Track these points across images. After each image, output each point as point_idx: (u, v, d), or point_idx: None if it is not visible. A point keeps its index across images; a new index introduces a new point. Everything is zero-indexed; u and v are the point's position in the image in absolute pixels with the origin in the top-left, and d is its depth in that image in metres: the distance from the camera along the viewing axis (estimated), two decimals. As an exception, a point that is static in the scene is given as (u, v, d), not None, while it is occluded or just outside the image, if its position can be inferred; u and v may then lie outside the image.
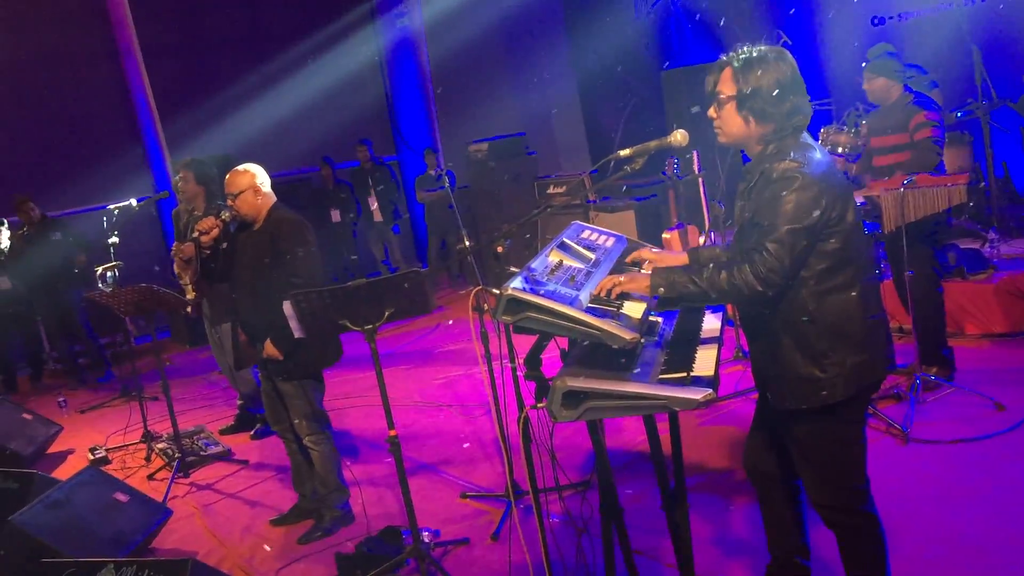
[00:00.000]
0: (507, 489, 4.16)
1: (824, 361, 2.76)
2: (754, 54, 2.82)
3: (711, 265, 2.80)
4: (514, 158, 10.82)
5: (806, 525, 3.28)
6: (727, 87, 2.83)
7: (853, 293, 2.78)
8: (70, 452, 7.09)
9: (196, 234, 4.66)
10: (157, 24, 11.43)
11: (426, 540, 4.28)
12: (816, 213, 2.67)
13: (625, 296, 2.89)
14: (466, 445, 5.83)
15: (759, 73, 2.78)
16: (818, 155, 2.78)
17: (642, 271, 3.33)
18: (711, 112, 2.90)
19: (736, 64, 2.83)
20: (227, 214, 4.61)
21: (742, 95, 2.80)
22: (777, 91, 2.77)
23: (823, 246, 2.73)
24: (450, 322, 9.34)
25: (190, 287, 6.36)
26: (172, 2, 11.64)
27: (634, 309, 2.87)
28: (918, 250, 5.22)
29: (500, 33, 13.18)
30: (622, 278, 2.88)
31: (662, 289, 2.79)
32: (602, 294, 2.86)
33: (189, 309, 6.57)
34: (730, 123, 2.87)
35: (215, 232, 4.60)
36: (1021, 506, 3.94)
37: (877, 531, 2.96)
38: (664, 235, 7.70)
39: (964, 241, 7.01)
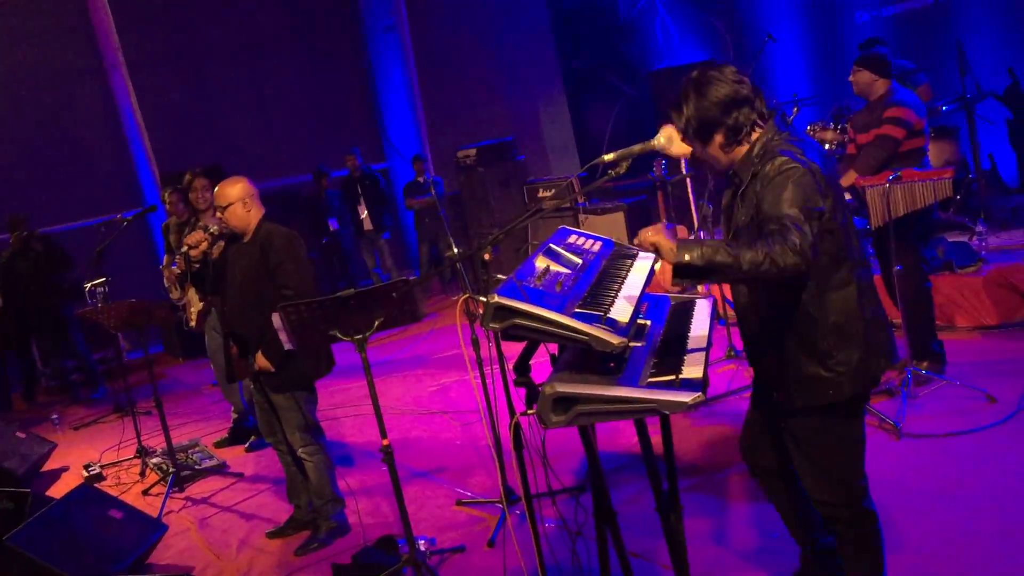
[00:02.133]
0: (501, 496, 4.17)
1: (829, 361, 2.77)
2: (683, 86, 2.89)
3: (739, 240, 2.75)
4: (503, 163, 10.85)
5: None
6: (677, 126, 2.92)
7: (851, 290, 2.77)
8: (64, 470, 7.06)
9: (185, 248, 4.67)
10: (142, 37, 11.41)
11: (422, 548, 4.28)
12: (820, 200, 2.65)
13: (616, 291, 2.90)
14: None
15: (685, 101, 2.85)
16: (808, 151, 2.79)
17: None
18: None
19: (669, 108, 2.91)
20: (215, 227, 4.61)
21: (681, 126, 2.88)
22: (706, 112, 2.81)
23: (820, 244, 2.67)
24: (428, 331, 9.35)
25: (196, 299, 6.38)
26: (157, 15, 11.62)
27: (622, 312, 2.87)
28: (905, 245, 5.24)
29: (486, 38, 13.21)
30: (650, 232, 2.67)
31: (687, 256, 2.54)
32: (637, 242, 2.71)
33: (193, 323, 6.57)
34: (699, 151, 2.93)
35: (204, 245, 4.61)
36: (1015, 497, 3.95)
37: (876, 528, 2.97)
38: (654, 236, 7.71)
39: (953, 234, 7.03)
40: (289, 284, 4.45)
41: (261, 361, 4.48)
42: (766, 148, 2.79)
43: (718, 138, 2.84)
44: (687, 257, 2.54)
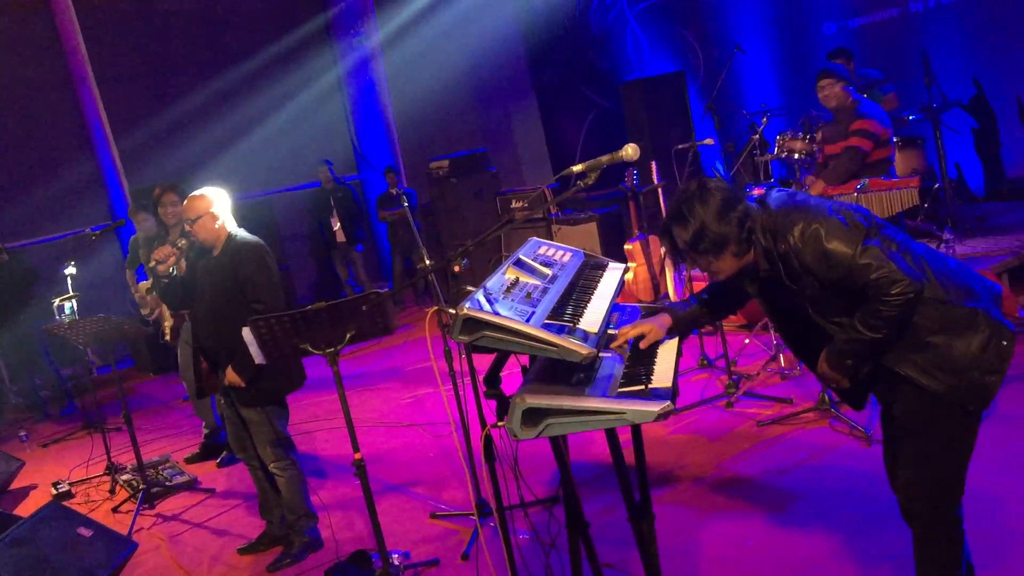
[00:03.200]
0: (474, 509, 4.16)
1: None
2: (675, 206, 2.87)
3: (855, 320, 2.73)
4: (476, 174, 10.86)
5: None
6: (680, 243, 2.88)
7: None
8: (33, 487, 6.96)
9: (153, 263, 4.63)
10: (111, 50, 11.32)
11: (396, 563, 4.25)
12: (856, 225, 2.71)
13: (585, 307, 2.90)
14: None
15: (688, 218, 2.81)
16: (798, 200, 2.83)
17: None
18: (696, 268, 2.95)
19: (666, 223, 2.90)
20: (183, 241, 4.58)
21: (688, 245, 2.84)
22: (712, 221, 2.78)
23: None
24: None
25: (168, 313, 6.35)
26: (126, 28, 11.53)
27: (592, 323, 2.88)
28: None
29: (458, 49, 13.23)
30: (827, 368, 2.86)
31: (846, 365, 2.81)
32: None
33: (168, 337, 6.52)
34: (706, 266, 2.91)
35: (171, 260, 4.58)
36: (981, 502, 3.98)
37: (957, 537, 2.91)
38: (626, 246, 7.76)
39: (920, 242, 7.08)
40: (260, 298, 4.43)
41: (231, 376, 4.45)
42: (771, 230, 2.79)
43: (731, 247, 2.83)
44: (848, 363, 2.80)
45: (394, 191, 10.87)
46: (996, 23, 8.79)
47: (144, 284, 6.70)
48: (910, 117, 7.72)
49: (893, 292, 2.62)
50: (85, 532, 4.85)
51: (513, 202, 9.97)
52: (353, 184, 12.06)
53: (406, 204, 5.34)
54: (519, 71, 13.65)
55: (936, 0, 9.22)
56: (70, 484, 6.61)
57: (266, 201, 11.73)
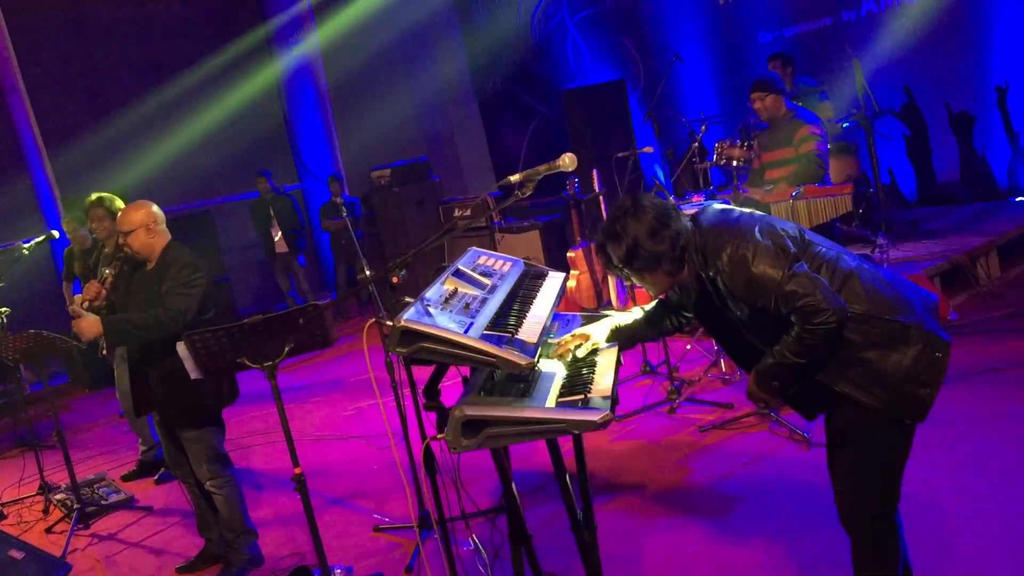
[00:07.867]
0: (415, 522, 4.12)
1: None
2: (609, 223, 2.89)
3: (780, 344, 2.73)
4: (418, 183, 10.83)
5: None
6: (614, 259, 2.88)
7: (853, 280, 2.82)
8: (-38, 510, 6.74)
9: (85, 304, 4.53)
10: (42, 58, 11.05)
11: (338, 578, 4.20)
12: (783, 250, 2.71)
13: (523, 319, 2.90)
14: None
15: (621, 235, 2.83)
16: (730, 219, 2.83)
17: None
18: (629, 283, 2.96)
19: (600, 239, 2.91)
20: (108, 271, 4.50)
21: (622, 261, 2.85)
22: (645, 238, 2.80)
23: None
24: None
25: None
26: (57, 35, 11.25)
27: (531, 333, 2.88)
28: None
29: (398, 56, 13.20)
30: (755, 387, 2.84)
31: (774, 384, 2.80)
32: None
33: (105, 352, 6.36)
34: (641, 282, 2.93)
35: (103, 294, 4.52)
36: (921, 505, 4.05)
37: (896, 544, 2.93)
38: (569, 254, 7.79)
39: (855, 247, 7.22)
40: (171, 305, 4.29)
41: (87, 324, 4.34)
42: (701, 251, 2.81)
43: (664, 266, 2.85)
44: (775, 384, 2.78)
45: (338, 200, 10.78)
46: (926, 32, 9.02)
47: (79, 297, 6.54)
48: (844, 124, 7.87)
49: (816, 321, 2.62)
50: (17, 555, 4.70)
51: (456, 211, 9.96)
52: (295, 194, 11.92)
53: (346, 214, 5.29)
54: (461, 79, 13.65)
55: (868, 9, 9.44)
56: (1, 505, 6.41)
57: (206, 211, 11.54)
